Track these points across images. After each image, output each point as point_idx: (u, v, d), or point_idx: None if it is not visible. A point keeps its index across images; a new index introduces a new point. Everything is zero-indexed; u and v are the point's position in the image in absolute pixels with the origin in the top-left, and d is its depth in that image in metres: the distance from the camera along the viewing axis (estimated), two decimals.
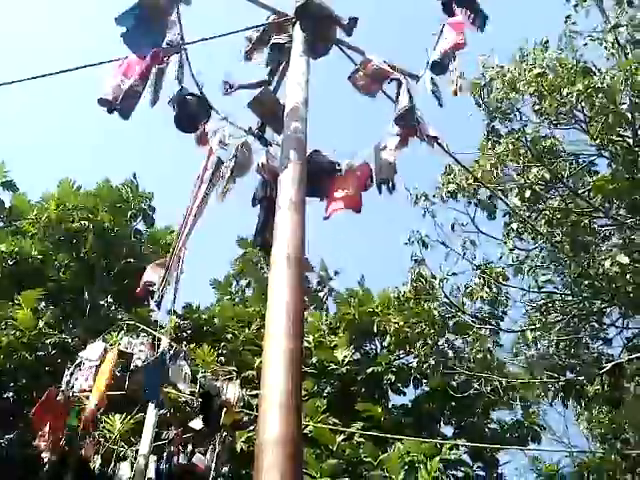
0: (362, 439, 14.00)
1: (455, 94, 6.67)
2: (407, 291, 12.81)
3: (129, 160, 33.63)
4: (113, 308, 17.26)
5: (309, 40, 6.34)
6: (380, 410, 15.27)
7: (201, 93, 6.79)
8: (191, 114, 6.54)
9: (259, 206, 6.93)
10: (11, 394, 15.86)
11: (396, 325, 13.31)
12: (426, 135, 7.21)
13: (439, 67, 7.17)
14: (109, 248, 17.51)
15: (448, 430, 17.36)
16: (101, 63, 5.85)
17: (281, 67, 6.84)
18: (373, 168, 7.28)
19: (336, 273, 19.91)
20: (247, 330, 16.89)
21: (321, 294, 19.38)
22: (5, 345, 14.35)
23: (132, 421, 12.74)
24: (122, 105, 5.70)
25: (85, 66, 5.51)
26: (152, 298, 7.99)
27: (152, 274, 8.50)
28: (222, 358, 15.11)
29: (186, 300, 18.24)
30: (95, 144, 34.19)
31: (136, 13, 5.59)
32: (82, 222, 17.30)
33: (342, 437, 14.03)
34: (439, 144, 7.61)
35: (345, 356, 15.97)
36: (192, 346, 14.42)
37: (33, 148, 31.93)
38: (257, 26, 6.65)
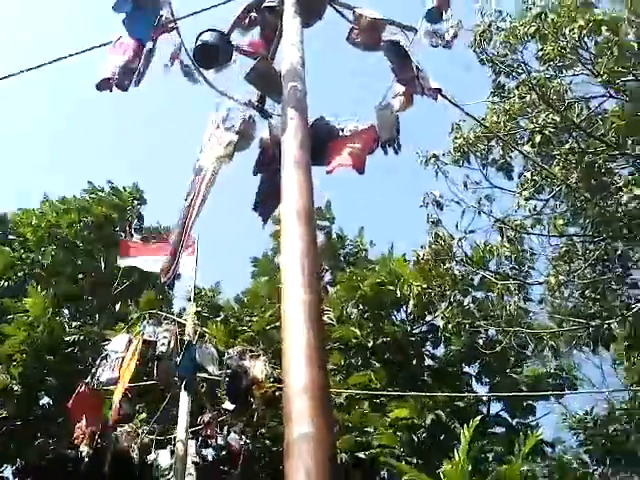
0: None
1: (452, 38, 6.51)
2: (425, 253, 12.74)
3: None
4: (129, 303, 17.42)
5: (301, 1, 6.21)
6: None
7: (199, 71, 6.70)
8: (212, 52, 6.37)
9: (259, 177, 6.87)
10: (47, 400, 16.18)
11: (417, 287, 13.23)
12: (428, 88, 7.09)
13: (435, 15, 7.03)
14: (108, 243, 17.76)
15: (482, 389, 17.41)
16: (92, 48, 5.80)
17: (276, 33, 6.71)
18: (376, 128, 7.17)
19: (371, 243, 19.77)
20: (276, 306, 16.91)
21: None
22: (29, 348, 14.61)
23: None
24: (120, 79, 5.67)
25: (77, 53, 5.46)
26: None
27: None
28: (246, 335, 15.24)
29: (217, 279, 18.58)
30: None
31: None
32: (80, 221, 17.72)
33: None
34: (443, 95, 7.46)
35: (362, 330, 16.06)
36: (213, 327, 14.55)
37: None
38: None
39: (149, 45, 6.13)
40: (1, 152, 34.91)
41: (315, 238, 4.42)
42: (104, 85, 5.72)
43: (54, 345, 15.15)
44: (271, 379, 10.49)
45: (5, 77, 5.52)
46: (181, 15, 6.42)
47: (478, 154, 12.37)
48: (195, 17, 6.59)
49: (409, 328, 16.93)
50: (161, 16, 6.16)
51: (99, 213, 18.25)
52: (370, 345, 16.28)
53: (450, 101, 7.67)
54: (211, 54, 6.35)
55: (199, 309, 14.51)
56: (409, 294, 13.50)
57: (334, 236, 19.46)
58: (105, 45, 5.81)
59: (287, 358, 3.51)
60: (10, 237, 18.21)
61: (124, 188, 19.45)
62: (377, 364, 15.97)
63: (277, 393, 10.27)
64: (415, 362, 17.08)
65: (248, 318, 17.09)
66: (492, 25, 10.15)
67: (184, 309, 15.34)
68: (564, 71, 10.94)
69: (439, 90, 7.17)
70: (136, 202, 19.45)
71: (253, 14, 6.81)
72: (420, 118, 7.44)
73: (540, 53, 10.71)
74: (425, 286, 13.06)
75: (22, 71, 5.56)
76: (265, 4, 6.53)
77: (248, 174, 7.01)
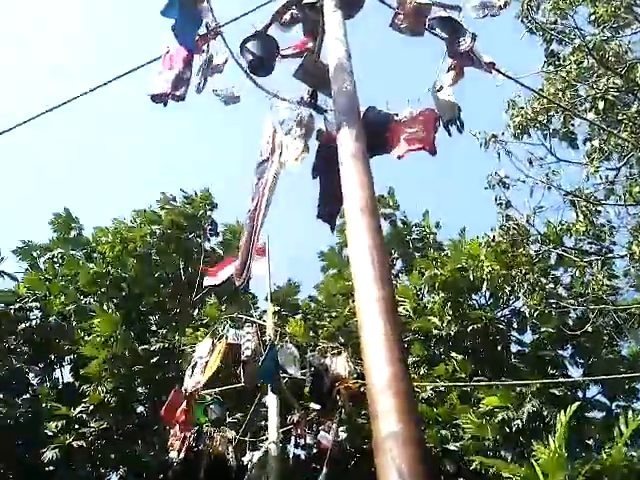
0: None
1: (501, 8, 6.29)
2: (497, 235, 12.40)
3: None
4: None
5: None
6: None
7: (246, 73, 6.78)
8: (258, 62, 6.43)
9: (318, 181, 6.85)
10: (141, 409, 16.87)
11: (492, 272, 12.88)
12: (481, 62, 6.90)
13: None
14: (183, 256, 18.28)
15: (576, 372, 16.64)
16: (143, 65, 5.95)
17: (319, 29, 6.69)
18: (436, 110, 7.02)
19: (437, 225, 19.39)
20: (352, 303, 16.91)
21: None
22: (112, 365, 15.24)
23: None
24: (174, 92, 5.85)
25: (130, 71, 5.63)
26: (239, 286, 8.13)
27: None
28: (325, 332, 15.29)
29: (289, 277, 18.62)
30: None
31: (178, 2, 5.62)
32: (153, 233, 18.35)
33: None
34: (497, 70, 7.26)
35: (442, 319, 15.73)
36: (293, 325, 14.69)
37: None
38: None
39: (203, 54, 6.26)
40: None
41: (380, 229, 4.40)
42: (158, 98, 5.90)
43: (136, 356, 15.72)
44: (355, 375, 10.46)
45: (64, 102, 5.76)
46: (220, 18, 6.50)
47: (538, 127, 11.93)
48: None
49: (490, 314, 16.42)
50: (204, 22, 6.28)
51: (169, 223, 18.74)
52: (452, 334, 15.92)
53: (505, 75, 7.44)
54: (257, 64, 6.42)
55: (277, 308, 14.74)
56: (486, 278, 13.16)
57: (399, 223, 19.20)
58: (156, 60, 5.95)
59: (366, 355, 3.50)
60: (94, 254, 18.97)
61: (195, 193, 19.81)
62: (460, 354, 15.59)
63: (362, 389, 10.24)
64: (501, 348, 16.61)
65: (327, 314, 17.15)
66: None
67: (264, 311, 15.56)
68: (620, 31, 10.39)
69: (493, 64, 7.00)
70: (208, 207, 19.79)
71: (294, 11, 6.81)
72: (470, 99, 7.20)
73: (593, 17, 10.21)
74: (501, 269, 12.71)
75: (89, 90, 5.75)
76: (305, 1, 6.52)
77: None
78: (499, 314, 17.03)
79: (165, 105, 5.86)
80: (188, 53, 5.95)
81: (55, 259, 18.98)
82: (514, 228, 12.39)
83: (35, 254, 19.12)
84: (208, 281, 11.64)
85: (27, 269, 18.96)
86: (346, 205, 4.49)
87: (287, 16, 6.56)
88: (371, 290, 3.84)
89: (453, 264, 16.20)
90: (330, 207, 6.75)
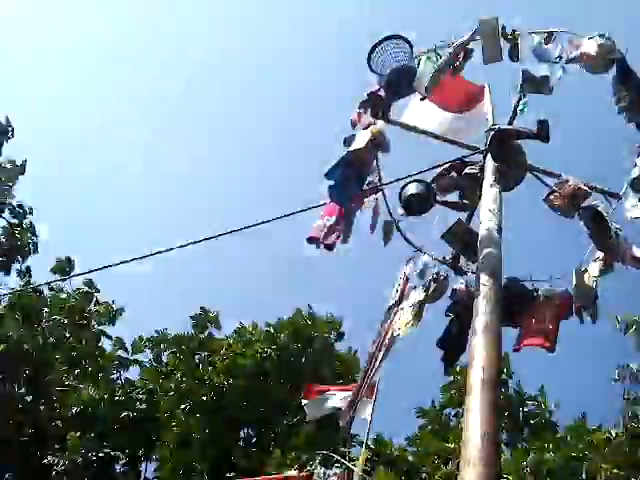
0: None
1: None
2: (619, 433, 11.47)
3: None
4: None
5: (501, 169, 6.53)
6: None
7: (397, 228, 7.25)
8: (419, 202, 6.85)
9: (449, 321, 6.96)
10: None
11: (606, 471, 11.76)
12: (630, 257, 6.83)
13: None
14: (293, 374, 18.20)
15: None
16: (310, 208, 6.51)
17: (475, 198, 7.03)
18: (573, 294, 6.99)
19: (557, 405, 18.17)
20: (445, 467, 15.98)
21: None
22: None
23: None
24: (325, 241, 6.36)
25: (299, 211, 6.22)
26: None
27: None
28: None
29: (380, 430, 18.00)
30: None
31: (342, 167, 6.10)
32: (265, 349, 18.38)
33: None
34: None
35: None
36: (382, 476, 14.05)
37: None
38: (450, 162, 7.00)
39: (356, 208, 6.79)
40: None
41: (497, 405, 4.40)
42: (313, 241, 6.45)
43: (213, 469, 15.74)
44: None
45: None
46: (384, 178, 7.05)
47: None
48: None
49: None
50: (368, 181, 6.85)
51: (285, 345, 18.67)
52: None
53: None
54: (414, 203, 6.85)
55: (370, 455, 14.24)
56: (600, 476, 12.01)
57: (511, 391, 18.17)
58: (320, 206, 6.54)
59: None
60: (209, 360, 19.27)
61: (326, 316, 19.60)
62: None
63: None
64: None
65: (418, 472, 16.25)
66: None
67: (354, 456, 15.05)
68: None
69: None
70: (333, 333, 19.62)
71: (454, 178, 7.24)
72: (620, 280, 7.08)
73: None
74: (616, 470, 11.60)
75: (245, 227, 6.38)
76: (466, 171, 6.94)
77: None
78: None
79: (317, 247, 6.38)
80: (341, 208, 6.49)
81: (178, 354, 19.41)
82: (637, 427, 11.45)
83: (162, 346, 19.73)
84: (310, 408, 11.57)
85: (150, 360, 19.67)
86: (470, 375, 4.56)
87: (446, 181, 6.99)
88: (476, 466, 3.87)
89: (568, 451, 14.95)
90: (453, 351, 6.99)
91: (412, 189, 6.81)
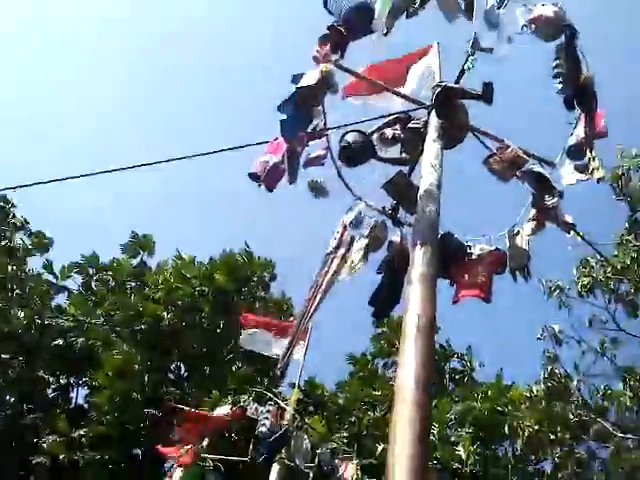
0: None
1: (598, 182, 6.56)
2: (539, 390, 12.07)
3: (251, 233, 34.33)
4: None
5: (444, 127, 6.57)
6: None
7: (339, 175, 7.22)
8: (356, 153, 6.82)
9: (381, 276, 7.05)
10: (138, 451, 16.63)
11: (528, 427, 12.38)
12: (562, 221, 7.10)
13: (576, 153, 7.11)
14: (229, 312, 18.15)
15: None
16: (259, 143, 6.43)
17: (416, 153, 7.07)
18: (507, 254, 7.20)
19: (481, 365, 18.88)
20: (372, 414, 16.50)
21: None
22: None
23: None
24: (266, 180, 6.31)
25: (243, 146, 6.09)
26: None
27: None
28: (343, 439, 14.88)
29: (311, 374, 18.29)
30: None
31: (294, 102, 6.03)
32: (202, 287, 18.36)
33: None
34: (576, 232, 7.43)
35: (469, 455, 14.99)
36: (314, 419, 14.40)
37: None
38: (395, 114, 7.00)
39: (299, 148, 6.71)
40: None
41: (433, 354, 4.51)
42: (255, 177, 6.38)
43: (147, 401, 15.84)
44: None
45: None
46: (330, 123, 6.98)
47: (605, 290, 11.84)
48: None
49: (520, 465, 15.58)
50: (313, 124, 6.77)
51: (221, 284, 18.63)
52: (476, 474, 15.12)
53: (583, 239, 7.57)
54: (353, 153, 6.83)
55: (301, 397, 14.51)
56: (522, 430, 12.62)
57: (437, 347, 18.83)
58: (266, 142, 6.44)
59: (391, 473, 3.53)
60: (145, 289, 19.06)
61: (258, 258, 19.70)
62: None
63: None
64: None
65: (347, 417, 16.72)
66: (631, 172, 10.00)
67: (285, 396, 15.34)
68: None
69: (573, 226, 7.18)
70: (267, 275, 19.80)
71: (397, 131, 7.24)
72: (545, 244, 7.35)
73: None
74: (537, 427, 12.23)
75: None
76: (410, 125, 6.96)
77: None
78: (530, 468, 16.17)
79: (259, 186, 6.34)
80: (288, 146, 6.40)
81: (110, 281, 19.19)
82: (556, 386, 12.08)
83: (91, 271, 19.41)
84: (244, 337, 11.64)
85: (79, 286, 19.36)
86: (406, 321, 4.65)
87: (389, 133, 6.98)
88: (409, 410, 3.96)
89: (492, 403, 15.72)
90: (385, 305, 7.15)
91: (349, 138, 6.79)
